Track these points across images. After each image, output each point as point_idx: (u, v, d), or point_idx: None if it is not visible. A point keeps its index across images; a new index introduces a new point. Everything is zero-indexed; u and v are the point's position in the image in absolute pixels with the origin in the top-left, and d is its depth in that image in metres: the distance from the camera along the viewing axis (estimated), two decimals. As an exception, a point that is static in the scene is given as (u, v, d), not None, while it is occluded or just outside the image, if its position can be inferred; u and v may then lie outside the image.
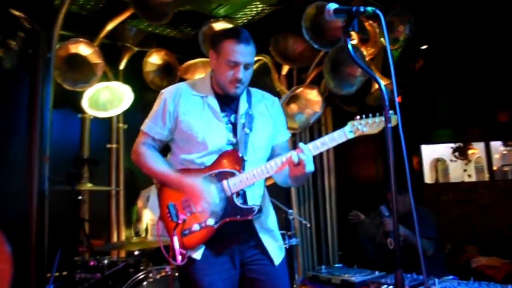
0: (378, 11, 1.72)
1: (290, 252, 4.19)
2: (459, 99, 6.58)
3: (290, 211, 3.80)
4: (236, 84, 2.07)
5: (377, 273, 3.50)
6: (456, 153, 8.12)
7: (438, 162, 8.50)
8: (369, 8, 1.72)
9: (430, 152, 7.89)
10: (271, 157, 2.16)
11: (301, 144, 1.99)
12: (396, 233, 1.71)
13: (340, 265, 4.19)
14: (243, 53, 2.04)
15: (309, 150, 1.98)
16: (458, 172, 8.29)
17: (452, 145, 8.09)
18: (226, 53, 2.04)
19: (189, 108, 2.11)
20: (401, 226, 3.79)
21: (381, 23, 1.74)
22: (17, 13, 3.14)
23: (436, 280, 3.04)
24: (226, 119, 2.14)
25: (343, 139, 2.00)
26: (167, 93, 2.16)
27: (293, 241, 3.66)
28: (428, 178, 8.01)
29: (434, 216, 4.16)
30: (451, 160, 8.27)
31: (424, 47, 5.76)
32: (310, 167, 1.96)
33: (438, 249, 4.05)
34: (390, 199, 3.99)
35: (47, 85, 3.45)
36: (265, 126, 2.19)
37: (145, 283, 3.20)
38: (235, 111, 2.16)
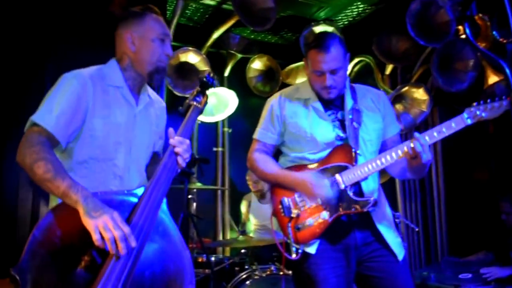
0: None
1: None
2: None
3: (398, 213, 3.63)
4: (327, 90, 2.10)
5: (492, 285, 3.24)
6: None
7: None
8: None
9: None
10: (382, 151, 2.12)
11: (416, 134, 1.94)
12: None
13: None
14: (325, 61, 2.05)
15: (425, 139, 1.93)
16: None
17: None
18: (311, 63, 2.11)
19: (294, 111, 2.18)
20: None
21: (493, 16, 1.63)
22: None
23: None
24: (333, 117, 2.16)
25: (461, 126, 1.97)
26: (272, 100, 2.28)
27: (400, 246, 3.50)
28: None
29: None
30: None
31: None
32: (427, 157, 1.91)
33: None
34: (503, 209, 3.69)
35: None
36: (374, 120, 2.18)
37: (250, 281, 3.22)
38: (341, 108, 2.17)
